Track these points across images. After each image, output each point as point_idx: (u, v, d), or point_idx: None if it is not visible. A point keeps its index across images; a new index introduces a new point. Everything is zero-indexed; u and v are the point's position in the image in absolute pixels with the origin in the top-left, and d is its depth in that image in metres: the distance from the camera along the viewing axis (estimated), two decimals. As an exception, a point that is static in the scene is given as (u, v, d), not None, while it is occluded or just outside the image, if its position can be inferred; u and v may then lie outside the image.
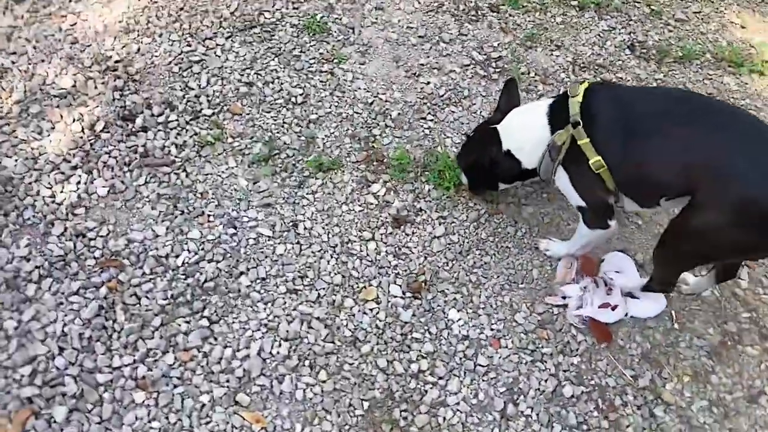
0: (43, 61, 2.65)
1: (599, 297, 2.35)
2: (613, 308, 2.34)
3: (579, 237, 2.37)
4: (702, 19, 3.46)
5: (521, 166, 2.29)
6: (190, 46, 2.81)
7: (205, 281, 2.23)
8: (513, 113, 2.32)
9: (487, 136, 2.32)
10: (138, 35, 2.82)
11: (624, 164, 2.02)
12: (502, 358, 2.21)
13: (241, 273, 2.27)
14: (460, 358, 2.19)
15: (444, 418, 2.06)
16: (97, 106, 2.57)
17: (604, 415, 2.13)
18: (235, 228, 2.37)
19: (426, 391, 2.11)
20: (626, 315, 2.37)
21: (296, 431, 1.98)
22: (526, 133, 2.24)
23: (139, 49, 2.77)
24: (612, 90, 2.14)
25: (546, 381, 2.18)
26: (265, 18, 2.99)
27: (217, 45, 2.85)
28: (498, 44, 3.13)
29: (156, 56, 2.77)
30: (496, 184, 2.46)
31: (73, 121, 2.51)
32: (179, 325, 2.12)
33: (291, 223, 2.41)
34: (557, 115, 2.13)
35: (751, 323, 2.38)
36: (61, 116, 2.51)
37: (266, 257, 2.32)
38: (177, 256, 2.27)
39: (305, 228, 2.41)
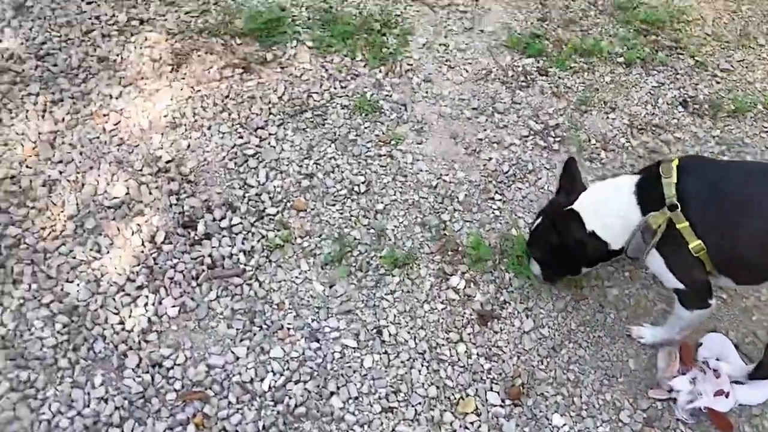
0: (91, 168, 2.48)
1: (711, 385, 2.26)
2: (726, 395, 2.25)
3: (677, 320, 2.27)
4: (747, 67, 3.41)
5: (608, 248, 2.18)
6: (242, 137, 2.67)
7: (296, 406, 2.07)
8: (593, 191, 2.21)
9: (566, 219, 2.19)
10: (186, 130, 2.67)
11: (726, 247, 1.95)
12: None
13: (332, 393, 2.12)
14: (572, 469, 2.09)
15: None
16: (155, 215, 2.41)
17: None
18: (318, 341, 2.22)
19: None
20: (735, 402, 2.30)
21: None
22: (612, 213, 2.12)
23: (189, 146, 2.61)
24: (704, 167, 2.07)
25: (665, 486, 2.09)
26: (315, 101, 2.85)
27: (269, 134, 2.70)
28: (553, 110, 3.03)
29: (208, 152, 2.62)
30: (579, 268, 2.36)
31: (132, 233, 2.35)
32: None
33: (375, 330, 2.27)
34: (647, 194, 2.03)
35: None
36: (119, 229, 2.34)
37: (354, 372, 2.18)
38: (262, 380, 2.11)
39: (390, 334, 2.27)
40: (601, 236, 2.17)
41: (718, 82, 3.32)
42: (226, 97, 2.79)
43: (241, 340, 2.19)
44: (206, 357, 2.13)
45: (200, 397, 2.05)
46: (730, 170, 2.12)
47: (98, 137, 2.58)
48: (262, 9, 3.08)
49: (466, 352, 2.27)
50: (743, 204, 1.92)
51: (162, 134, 2.63)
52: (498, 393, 2.19)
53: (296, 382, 2.13)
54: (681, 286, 2.10)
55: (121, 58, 2.85)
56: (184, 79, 2.82)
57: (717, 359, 2.35)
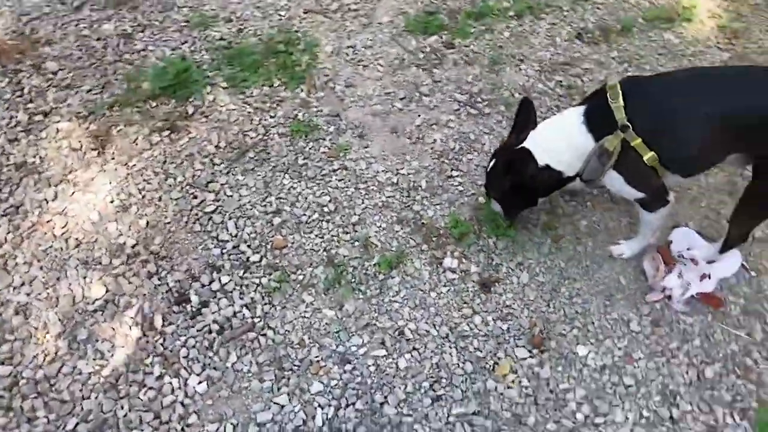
0: (59, 278, 2.36)
1: (694, 273, 2.50)
2: (708, 276, 2.51)
3: (647, 225, 2.51)
4: (617, -11, 3.74)
5: (562, 176, 2.36)
6: (196, 197, 2.62)
7: (354, 429, 2.13)
8: (542, 129, 2.37)
9: (518, 157, 2.32)
10: (138, 208, 2.58)
11: (673, 149, 2.18)
12: (641, 370, 2.31)
13: (382, 404, 2.18)
14: (611, 388, 2.27)
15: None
16: (144, 302, 2.33)
17: (747, 380, 2.31)
18: (350, 362, 2.27)
19: (604, 434, 2.17)
20: (717, 280, 2.56)
21: None
22: (564, 145, 2.28)
23: (148, 223, 2.54)
24: (643, 85, 2.26)
25: (687, 373, 2.31)
26: (251, 138, 2.84)
27: (222, 185, 2.67)
28: (471, 78, 3.19)
29: (169, 223, 2.55)
30: (536, 199, 2.53)
31: (129, 328, 2.27)
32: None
33: (397, 332, 2.35)
34: (597, 121, 2.20)
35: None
36: (114, 329, 2.26)
37: (394, 377, 2.25)
38: (313, 418, 2.14)
39: (411, 331, 2.36)
40: (555, 168, 2.34)
41: (599, 9, 3.61)
42: (164, 162, 2.73)
43: (279, 389, 2.20)
44: (253, 417, 2.13)
45: (264, 457, 2.07)
46: (663, 82, 2.31)
47: (52, 246, 2.45)
48: (163, 65, 3.00)
49: (482, 321, 2.40)
50: (679, 108, 2.13)
51: (116, 221, 2.54)
52: (524, 347, 2.34)
53: (346, 407, 2.18)
54: (642, 195, 2.32)
55: (40, 158, 2.70)
56: (114, 159, 2.72)
57: (688, 249, 2.62)
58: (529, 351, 2.34)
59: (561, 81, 3.19)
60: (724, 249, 2.55)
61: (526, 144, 2.35)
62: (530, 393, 2.24)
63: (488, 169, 2.46)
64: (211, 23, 3.28)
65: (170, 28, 3.24)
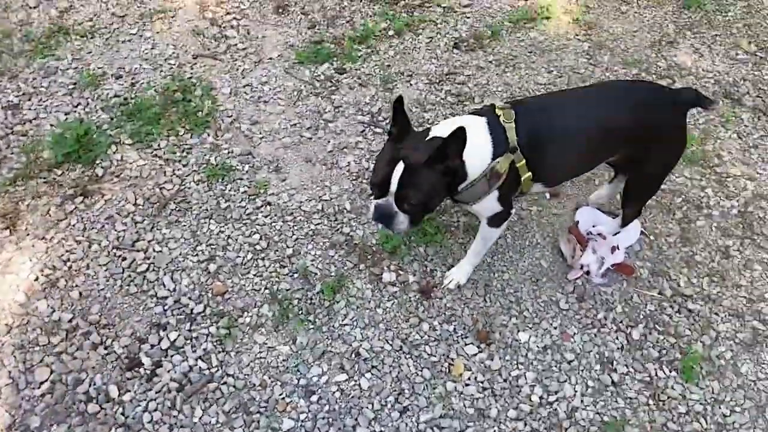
0: (10, 373, 2.23)
1: (605, 247, 2.76)
2: (617, 248, 2.78)
3: (485, 241, 2.57)
4: (478, -1, 4.03)
5: (456, 178, 2.19)
6: (125, 259, 2.56)
7: (333, 456, 2.19)
8: (453, 123, 2.11)
9: (457, 136, 2.00)
10: (67, 280, 2.48)
11: (546, 165, 2.31)
12: (578, 344, 2.53)
13: (354, 427, 2.25)
14: (556, 366, 2.47)
15: (584, 419, 2.34)
16: (94, 375, 2.26)
17: (668, 334, 2.59)
18: (314, 392, 2.32)
19: (557, 411, 2.35)
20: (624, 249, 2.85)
21: None
22: (476, 148, 2.14)
23: (81, 294, 2.45)
24: (530, 107, 2.30)
25: (618, 338, 2.56)
26: (168, 190, 2.80)
27: (149, 242, 2.63)
28: (368, 99, 3.32)
29: (103, 289, 2.48)
30: (442, 201, 2.33)
31: (85, 404, 2.18)
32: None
33: (354, 354, 2.43)
34: (496, 137, 2.18)
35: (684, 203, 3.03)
36: (67, 409, 2.15)
37: (359, 398, 2.32)
38: (290, 454, 2.18)
39: (367, 350, 2.44)
40: (466, 165, 2.17)
41: (468, 18, 3.86)
42: (84, 229, 2.64)
43: (251, 434, 2.22)
44: (231, 467, 2.14)
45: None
46: (546, 103, 2.43)
47: (-19, 338, 2.32)
48: (60, 131, 2.89)
49: (430, 327, 2.53)
50: (557, 127, 2.25)
51: (45, 298, 2.44)
52: (472, 343, 2.50)
53: (320, 437, 2.24)
54: (500, 210, 2.37)
55: (-56, 247, 2.53)
56: (29, 235, 2.60)
57: (594, 225, 2.89)
58: (477, 346, 2.49)
59: (450, 90, 3.41)
60: (624, 224, 2.84)
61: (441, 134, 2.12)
62: (487, 386, 2.40)
63: (402, 175, 2.06)
64: (100, 82, 3.19)
65: (59, 93, 3.13)
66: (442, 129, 2.15)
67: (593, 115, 2.30)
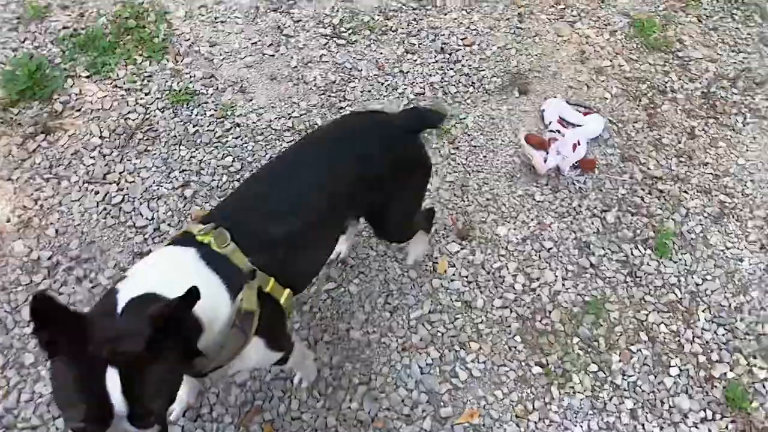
0: (-18, 311, 2.20)
1: (567, 144, 2.76)
2: (579, 143, 2.80)
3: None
4: None
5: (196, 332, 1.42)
6: (98, 192, 2.50)
7: (331, 359, 2.23)
8: (146, 276, 1.42)
9: (173, 303, 1.20)
10: (40, 218, 2.42)
11: (305, 263, 1.79)
12: (556, 233, 2.59)
13: (348, 329, 2.29)
14: (536, 255, 2.52)
15: (567, 301, 2.42)
16: (85, 308, 2.24)
17: (640, 215, 2.66)
18: (305, 302, 2.33)
19: (540, 296, 2.42)
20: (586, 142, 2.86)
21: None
22: (204, 299, 1.23)
23: (57, 231, 2.39)
24: (230, 210, 1.69)
25: (593, 223, 2.62)
26: (133, 120, 2.71)
27: (120, 174, 2.56)
28: (329, 10, 3.21)
29: (80, 224, 2.43)
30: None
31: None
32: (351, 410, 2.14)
33: (340, 263, 2.44)
34: (221, 271, 1.48)
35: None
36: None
37: (350, 303, 2.35)
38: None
39: (353, 258, 2.46)
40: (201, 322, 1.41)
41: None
42: (50, 167, 2.56)
43: (248, 346, 2.24)
44: (232, 381, 2.15)
45: None
46: (249, 195, 1.75)
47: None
48: (11, 69, 2.75)
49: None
50: (282, 214, 1.65)
51: (20, 238, 2.38)
52: (454, 241, 2.53)
53: (315, 344, 2.25)
54: (281, 354, 1.77)
55: None
56: (-6, 177, 2.53)
57: (559, 116, 2.90)
58: (459, 244, 2.53)
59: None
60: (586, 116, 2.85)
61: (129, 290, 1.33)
62: (471, 280, 2.45)
63: (122, 381, 1.17)
64: (46, 14, 3.02)
65: (3, 29, 2.95)
66: (134, 286, 1.34)
67: (314, 181, 1.71)
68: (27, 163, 2.57)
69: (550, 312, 2.40)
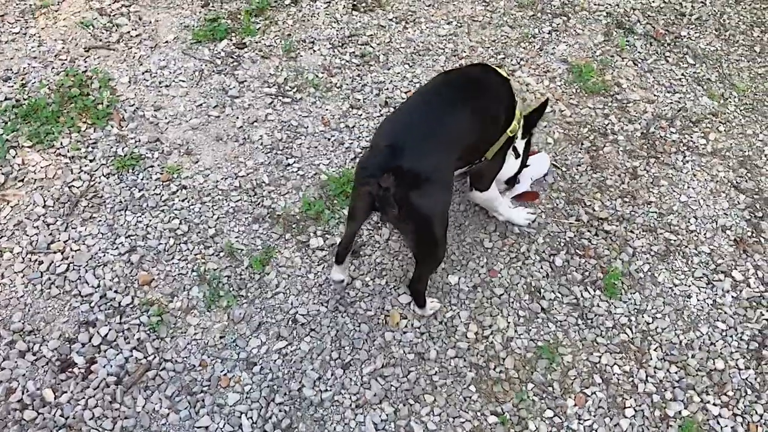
0: None
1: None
2: (518, 181, 2.90)
3: None
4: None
5: None
6: (42, 263, 2.53)
7: (280, 421, 2.26)
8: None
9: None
10: None
11: None
12: (506, 278, 2.68)
13: (299, 389, 2.34)
14: (487, 302, 2.60)
15: (520, 347, 2.50)
16: (26, 381, 2.26)
17: (588, 257, 2.77)
18: (256, 364, 2.39)
19: (493, 344, 2.49)
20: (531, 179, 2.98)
21: None
22: None
23: (7, 304, 2.44)
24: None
25: (542, 267, 2.72)
26: (78, 188, 2.77)
27: (65, 242, 2.60)
28: (272, 70, 3.34)
29: (23, 296, 2.46)
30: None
31: (21, 412, 2.19)
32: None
33: (291, 321, 2.50)
34: None
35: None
36: (3, 421, 2.16)
37: (302, 360, 2.41)
38: (241, 427, 2.24)
39: (303, 315, 2.52)
40: None
41: None
42: (-7, 239, 2.61)
43: (197, 413, 2.27)
44: (183, 450, 2.19)
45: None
46: None
47: None
48: (-51, 142, 2.81)
49: (363, 284, 2.63)
50: None
51: (-38, 314, 2.40)
52: (404, 293, 2.58)
53: (267, 406, 2.31)
54: None
55: None
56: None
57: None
58: (410, 295, 2.62)
59: (354, 52, 3.47)
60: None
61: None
62: (423, 330, 2.53)
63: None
64: (-13, 85, 3.11)
65: (-58, 102, 3.03)
66: None
67: None
68: (-29, 240, 2.62)
69: (503, 359, 2.48)
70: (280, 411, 2.29)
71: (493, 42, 3.61)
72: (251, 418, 2.27)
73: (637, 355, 2.54)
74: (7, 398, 2.24)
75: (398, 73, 3.40)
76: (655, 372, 2.50)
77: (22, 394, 2.25)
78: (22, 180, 2.80)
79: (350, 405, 2.33)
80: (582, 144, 3.18)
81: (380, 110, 3.21)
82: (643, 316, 2.63)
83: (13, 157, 2.87)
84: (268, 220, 2.77)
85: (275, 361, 2.41)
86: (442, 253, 2.42)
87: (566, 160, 3.11)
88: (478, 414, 2.35)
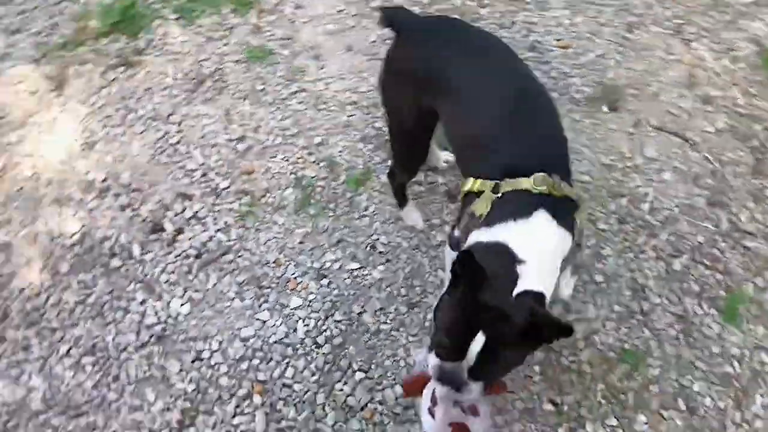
0: (34, 219, 2.64)
1: None
2: None
3: None
4: None
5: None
6: (159, 130, 2.88)
7: (333, 338, 2.42)
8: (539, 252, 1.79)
9: (526, 320, 1.63)
10: (104, 144, 2.85)
11: None
12: (612, 268, 2.58)
13: (359, 313, 2.48)
14: (582, 286, 2.54)
15: (578, 334, 2.44)
16: (120, 233, 2.62)
17: (715, 270, 2.56)
18: (326, 276, 2.55)
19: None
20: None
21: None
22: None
23: (114, 158, 2.80)
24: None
25: (656, 266, 2.57)
26: (207, 68, 3.06)
27: (183, 117, 2.92)
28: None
29: (136, 156, 2.82)
30: None
31: (109, 258, 2.56)
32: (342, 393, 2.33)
33: (369, 247, 2.63)
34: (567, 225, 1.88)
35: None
36: (93, 261, 2.55)
37: (370, 286, 2.54)
38: (295, 330, 2.44)
39: (383, 244, 2.63)
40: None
41: None
42: (123, 98, 2.96)
43: (260, 306, 2.49)
44: (237, 334, 2.42)
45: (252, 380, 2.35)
46: None
47: (22, 188, 2.72)
48: (108, 1, 3.20)
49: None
50: None
51: (83, 158, 2.80)
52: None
53: (325, 319, 2.47)
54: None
55: (-1, 104, 2.96)
56: (73, 97, 2.96)
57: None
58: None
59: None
60: None
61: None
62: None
63: (485, 347, 1.64)
64: (150, -46, 3.45)
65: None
66: (534, 273, 1.75)
67: None
68: (104, 91, 2.99)
69: (580, 350, 2.43)
70: (336, 327, 2.45)
71: (678, 2, 3.39)
72: (308, 325, 2.45)
73: (739, 394, 2.36)
74: (101, 243, 2.60)
75: (555, 17, 3.30)
76: (753, 419, 2.31)
77: (114, 243, 2.60)
78: (161, 50, 3.13)
79: (405, 344, 2.43)
80: (749, 142, 2.92)
81: (524, 54, 3.15)
82: (760, 354, 2.43)
83: (157, 26, 3.21)
84: (375, 142, 2.88)
85: (345, 279, 2.55)
86: None
87: (722, 156, 2.88)
88: (534, 396, 2.34)
